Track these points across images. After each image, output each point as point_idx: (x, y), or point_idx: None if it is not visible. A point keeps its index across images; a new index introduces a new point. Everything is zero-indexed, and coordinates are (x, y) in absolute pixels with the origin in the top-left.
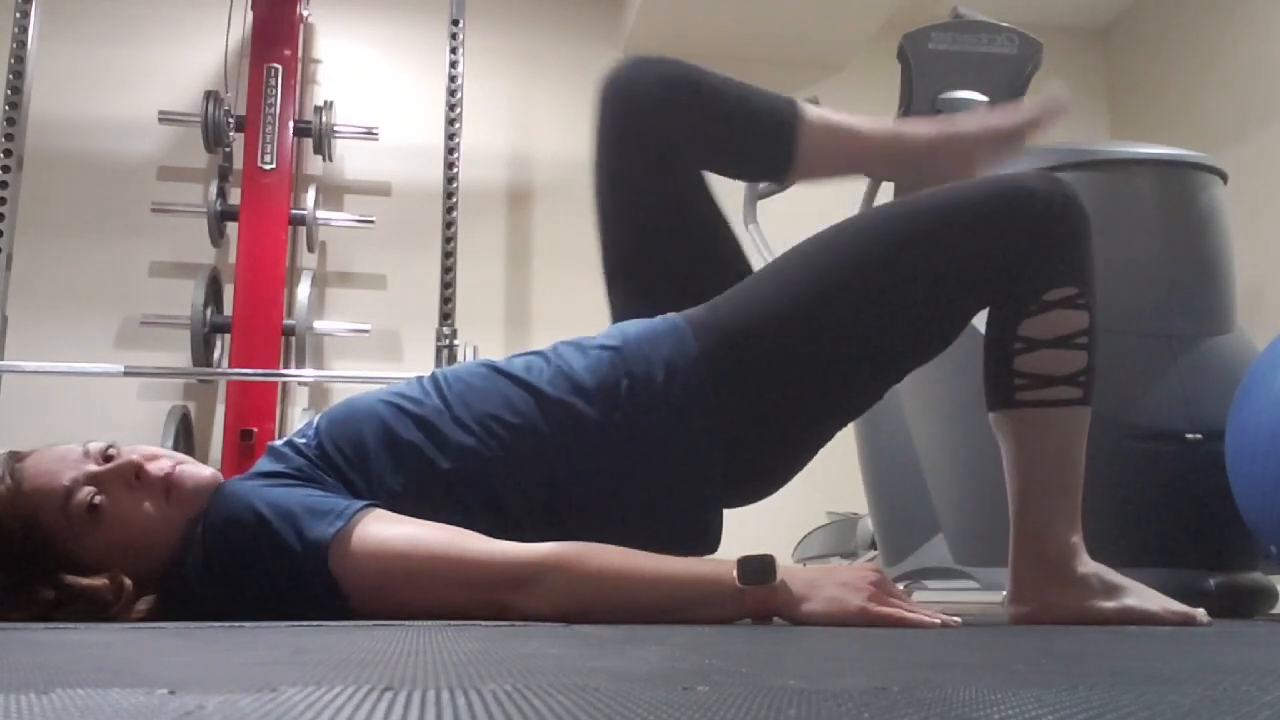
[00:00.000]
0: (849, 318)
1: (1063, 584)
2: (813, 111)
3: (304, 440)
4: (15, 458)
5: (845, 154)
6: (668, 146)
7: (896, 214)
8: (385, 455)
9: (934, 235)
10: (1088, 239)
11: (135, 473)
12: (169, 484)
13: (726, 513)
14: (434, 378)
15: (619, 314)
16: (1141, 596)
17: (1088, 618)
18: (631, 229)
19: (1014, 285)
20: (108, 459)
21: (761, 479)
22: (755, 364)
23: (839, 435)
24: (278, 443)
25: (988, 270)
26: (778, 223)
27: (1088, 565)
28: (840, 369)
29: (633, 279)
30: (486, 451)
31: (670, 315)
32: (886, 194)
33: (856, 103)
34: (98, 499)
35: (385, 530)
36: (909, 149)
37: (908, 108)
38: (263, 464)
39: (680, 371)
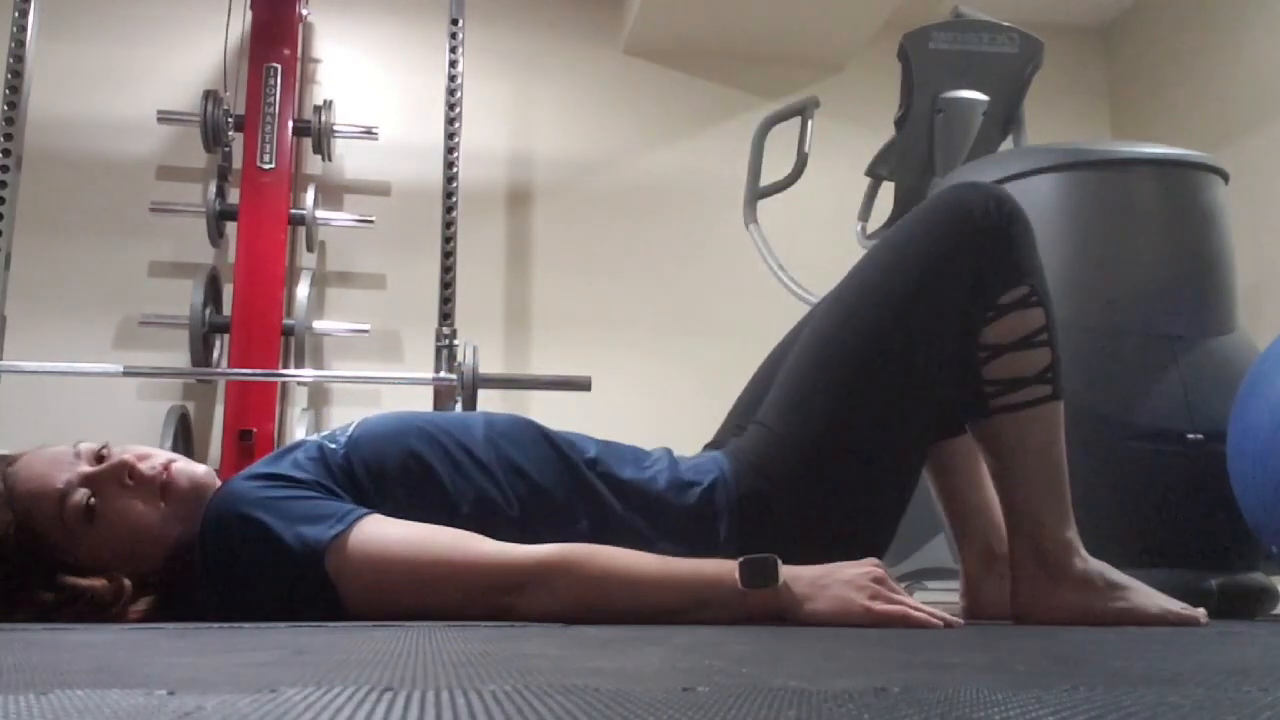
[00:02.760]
0: (869, 420)
1: (1063, 583)
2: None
3: (334, 446)
4: (6, 461)
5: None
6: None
7: (869, 290)
8: (411, 484)
9: (913, 290)
10: (1029, 235)
11: (128, 473)
12: (163, 483)
13: None
14: (487, 421)
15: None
16: (1143, 596)
17: (1089, 617)
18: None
19: (971, 297)
20: (100, 459)
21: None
22: (801, 504)
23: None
24: (312, 442)
25: (956, 297)
26: (779, 223)
27: (1088, 563)
28: (878, 469)
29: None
30: (508, 508)
31: (715, 455)
32: (887, 192)
33: (856, 103)
34: (92, 501)
35: (387, 532)
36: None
37: (908, 107)
38: (276, 465)
39: (718, 501)
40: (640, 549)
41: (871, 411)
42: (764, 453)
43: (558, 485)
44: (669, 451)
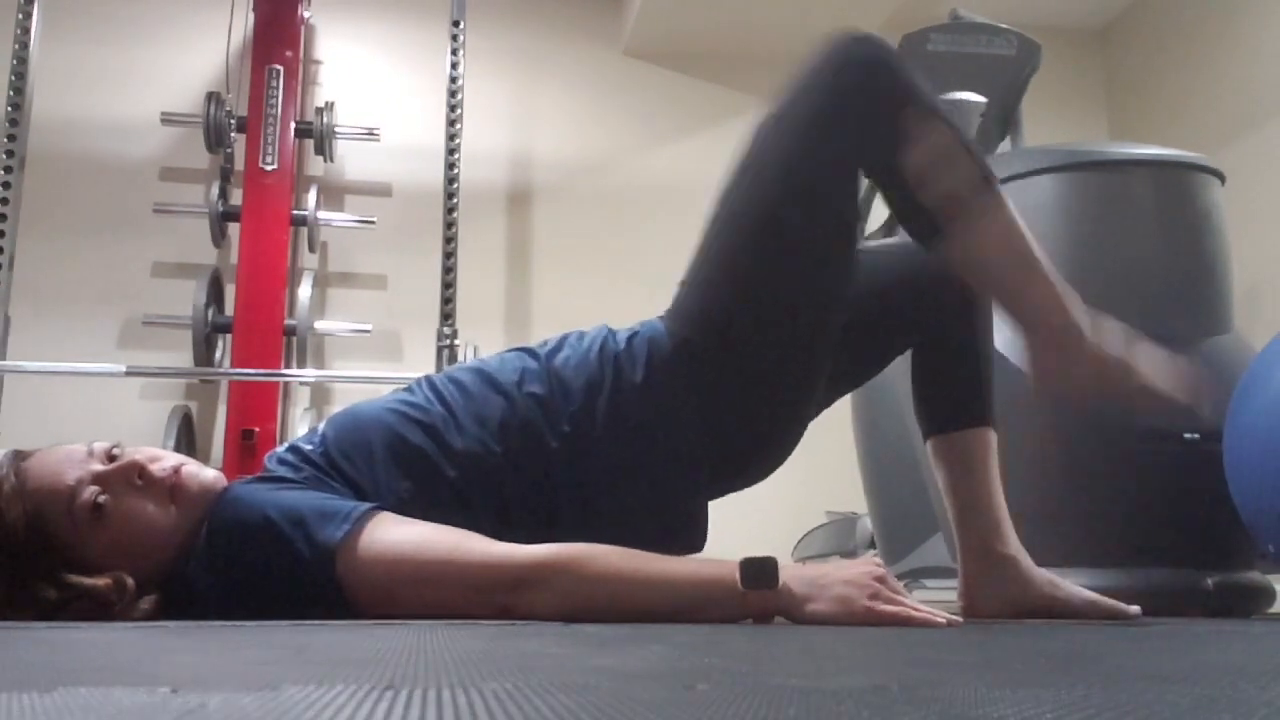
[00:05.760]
0: (782, 259)
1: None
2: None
3: (310, 447)
4: (20, 456)
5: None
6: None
7: (769, 151)
8: (392, 462)
9: (804, 140)
10: (895, 59)
11: (139, 473)
12: (172, 485)
13: (727, 510)
14: (431, 384)
15: None
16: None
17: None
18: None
19: (864, 136)
20: (112, 459)
21: (747, 463)
22: (727, 338)
23: (838, 435)
24: (282, 449)
25: (849, 139)
26: None
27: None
28: (799, 310)
29: None
30: (488, 456)
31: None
32: None
33: None
34: (102, 499)
35: (391, 533)
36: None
37: None
38: (271, 468)
39: (659, 359)
40: (610, 433)
41: (778, 246)
42: (682, 303)
43: (526, 417)
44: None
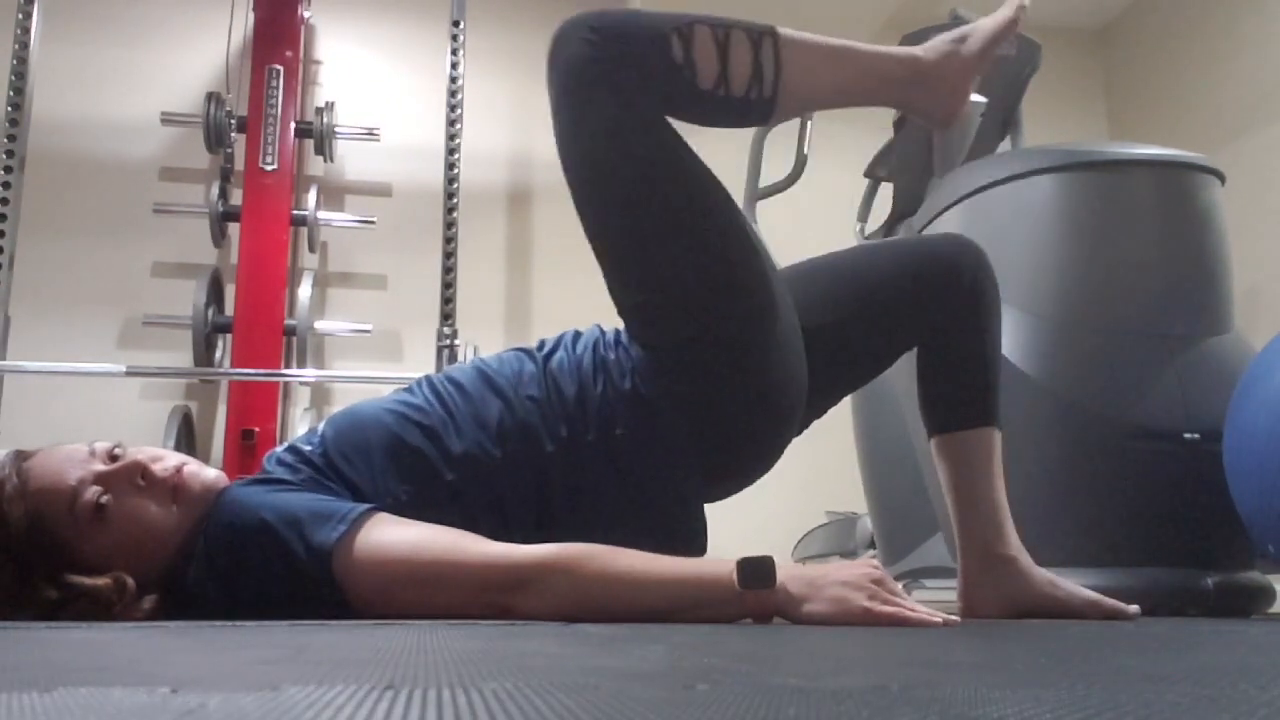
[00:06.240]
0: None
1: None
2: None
3: (309, 447)
4: (21, 456)
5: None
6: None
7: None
8: (390, 465)
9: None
10: (616, 28)
11: (141, 473)
12: (174, 485)
13: (728, 510)
14: (430, 385)
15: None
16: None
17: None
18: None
19: (658, 94)
20: (114, 459)
21: (738, 462)
22: (682, 339)
23: (838, 436)
24: (281, 449)
25: (634, 108)
26: (778, 223)
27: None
28: (722, 281)
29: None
30: (487, 459)
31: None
32: (886, 193)
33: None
34: (104, 499)
35: (388, 534)
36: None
37: None
38: (268, 469)
39: (643, 367)
40: (603, 440)
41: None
42: (628, 324)
43: (524, 422)
44: (598, 327)
